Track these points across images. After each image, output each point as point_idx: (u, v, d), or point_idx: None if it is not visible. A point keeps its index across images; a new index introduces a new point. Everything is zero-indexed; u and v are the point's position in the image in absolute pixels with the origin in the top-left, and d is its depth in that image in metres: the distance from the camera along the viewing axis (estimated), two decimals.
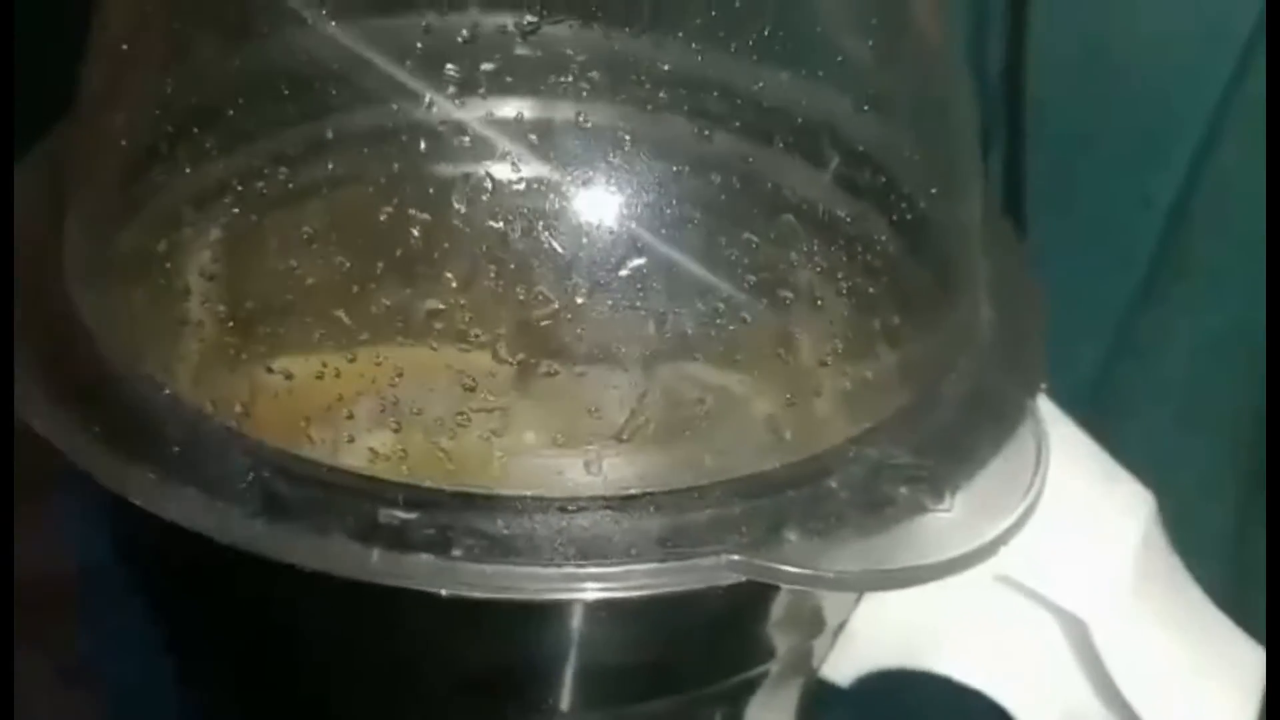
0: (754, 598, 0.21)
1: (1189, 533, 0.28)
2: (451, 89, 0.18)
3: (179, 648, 0.26)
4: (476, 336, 0.19)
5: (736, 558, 0.18)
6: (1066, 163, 0.43)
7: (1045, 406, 0.23)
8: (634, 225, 0.19)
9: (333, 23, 0.19)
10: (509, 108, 0.18)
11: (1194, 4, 0.38)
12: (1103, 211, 0.44)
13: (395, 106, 0.18)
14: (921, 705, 0.25)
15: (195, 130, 0.20)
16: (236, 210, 0.20)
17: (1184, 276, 0.44)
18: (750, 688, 0.23)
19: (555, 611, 0.20)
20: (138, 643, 0.37)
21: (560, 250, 0.18)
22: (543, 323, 0.19)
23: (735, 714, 0.24)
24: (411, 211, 0.18)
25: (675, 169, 0.19)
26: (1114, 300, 0.46)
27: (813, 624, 0.23)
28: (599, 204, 0.19)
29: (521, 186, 0.18)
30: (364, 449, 0.19)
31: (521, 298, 0.18)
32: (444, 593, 0.18)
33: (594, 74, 0.18)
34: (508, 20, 0.18)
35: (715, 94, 0.19)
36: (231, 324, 0.19)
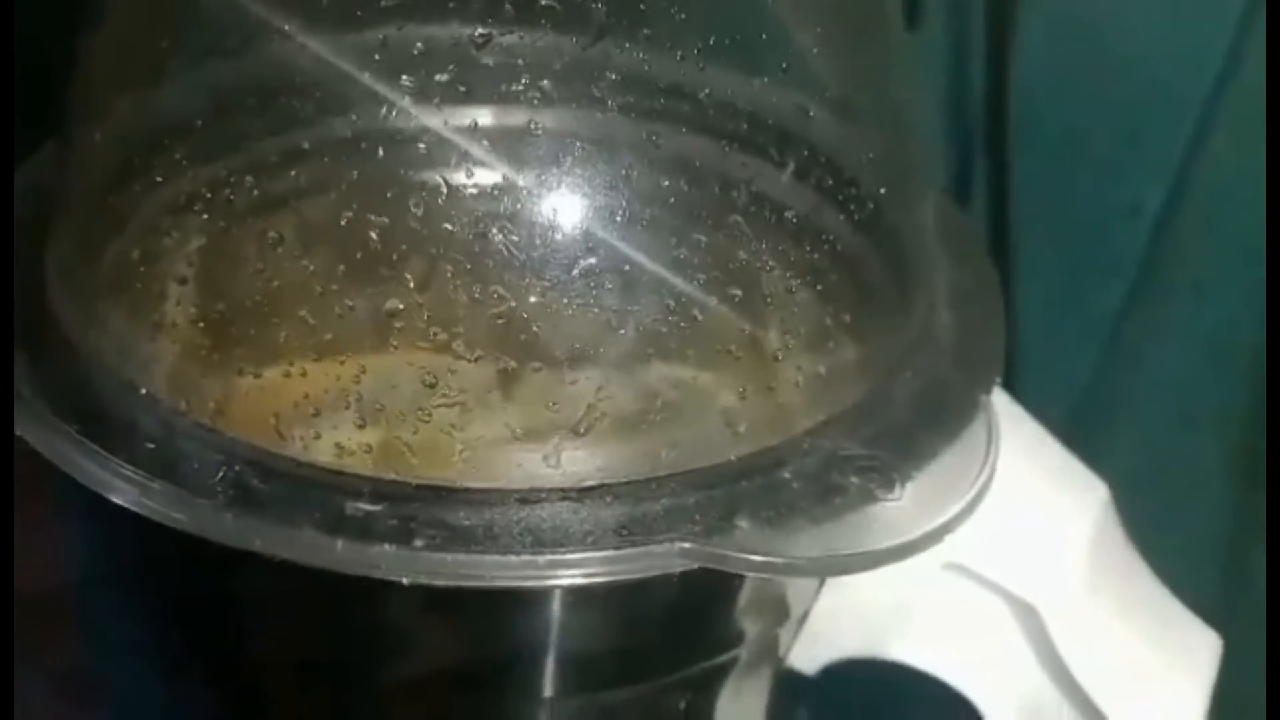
0: (712, 585, 0.22)
1: (1182, 536, 0.29)
2: (409, 99, 0.19)
3: (160, 646, 0.27)
4: (436, 335, 0.19)
5: (689, 545, 0.19)
6: (1054, 170, 0.44)
7: (1003, 403, 0.23)
8: (588, 226, 0.20)
9: (299, 39, 0.20)
10: (465, 116, 0.19)
11: (1179, 12, 0.39)
12: (1092, 218, 0.44)
13: (356, 117, 0.19)
14: (887, 693, 0.26)
15: (168, 144, 0.21)
16: (208, 219, 0.20)
17: (1174, 281, 0.45)
18: (719, 675, 0.24)
19: (517, 599, 0.20)
20: (138, 653, 0.37)
21: (515, 251, 0.19)
22: (499, 321, 0.19)
23: (707, 701, 0.24)
24: (371, 217, 0.19)
25: (626, 171, 0.20)
26: (1104, 306, 0.46)
27: (776, 612, 0.24)
28: (553, 206, 0.20)
29: (476, 191, 0.19)
30: (330, 445, 0.20)
31: (479, 297, 0.19)
32: (406, 581, 0.18)
33: (545, 82, 0.19)
34: (462, 32, 0.19)
35: (664, 98, 0.20)
36: (204, 327, 0.20)
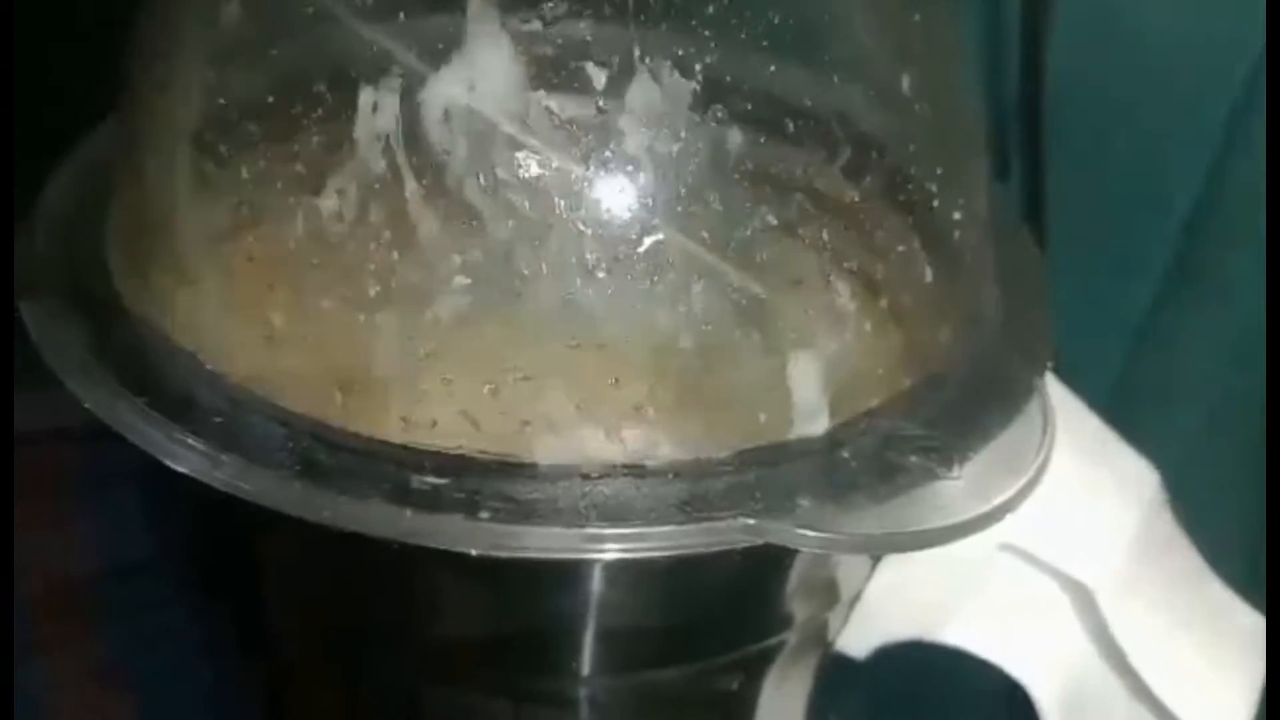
0: (769, 564, 0.22)
1: (1210, 533, 0.29)
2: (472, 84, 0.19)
3: (209, 615, 0.27)
4: (502, 311, 0.20)
5: (752, 521, 0.19)
6: (1086, 169, 0.44)
7: (1054, 387, 0.24)
8: (651, 208, 0.20)
9: (364, 22, 0.20)
10: (532, 99, 0.19)
11: (1212, 10, 0.39)
12: (1122, 218, 0.44)
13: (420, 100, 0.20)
14: (936, 676, 0.26)
15: (237, 120, 0.21)
16: (276, 196, 0.21)
17: (1202, 282, 0.45)
18: (767, 657, 0.24)
19: (577, 572, 0.20)
20: (168, 644, 0.38)
21: (580, 230, 0.19)
22: (566, 296, 0.19)
23: (753, 683, 0.24)
24: (438, 198, 0.19)
25: (689, 155, 0.20)
26: (1134, 303, 0.46)
27: (828, 594, 0.24)
28: (617, 188, 0.20)
29: (544, 173, 0.19)
30: (396, 418, 0.20)
31: (546, 273, 0.19)
32: (474, 552, 0.18)
33: (610, 65, 0.19)
34: (525, 18, 0.19)
35: (727, 82, 0.20)
36: (269, 303, 0.20)
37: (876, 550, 0.22)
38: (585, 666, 0.23)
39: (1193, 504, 0.28)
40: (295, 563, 0.23)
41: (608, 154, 0.20)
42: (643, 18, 0.20)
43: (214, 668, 0.31)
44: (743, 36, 0.20)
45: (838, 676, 0.26)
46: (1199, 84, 0.41)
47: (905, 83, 0.22)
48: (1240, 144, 0.43)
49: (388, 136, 0.20)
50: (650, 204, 0.20)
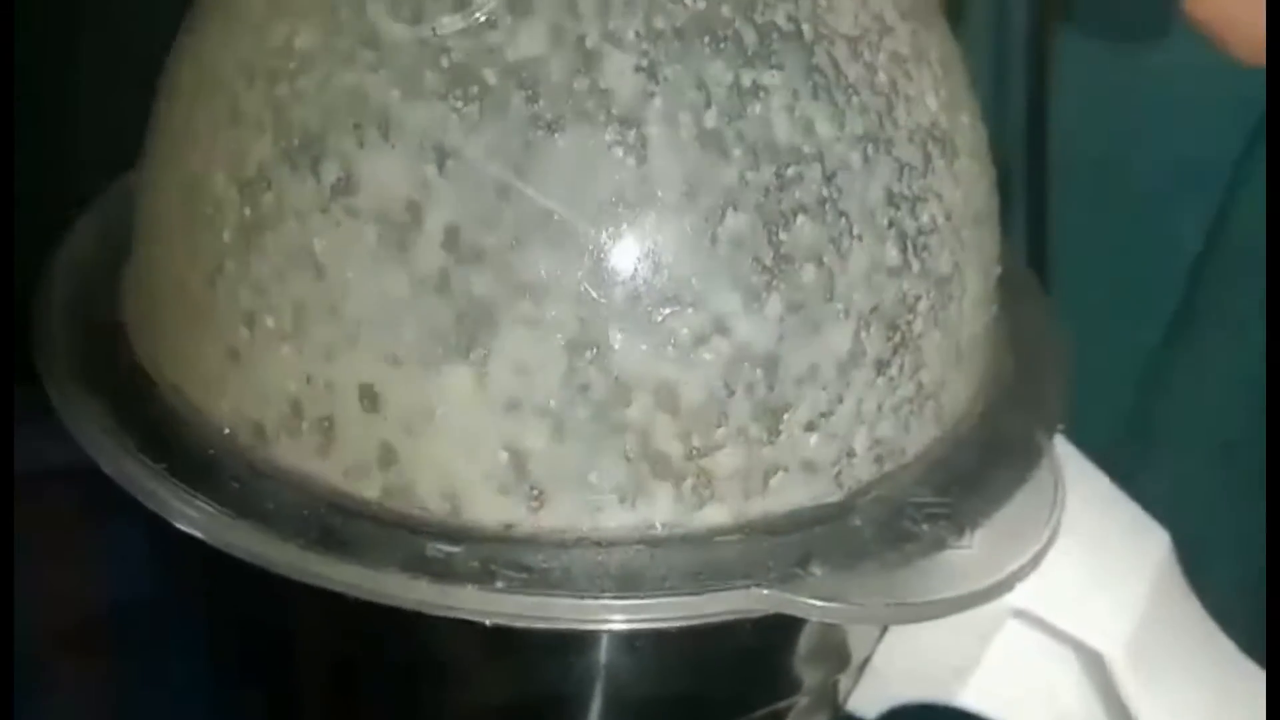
0: (781, 630, 0.22)
1: (1222, 570, 0.29)
2: None
3: (221, 677, 0.27)
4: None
5: (766, 591, 0.19)
6: (1093, 206, 0.44)
7: (1062, 446, 0.24)
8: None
9: None
10: None
11: (1215, 57, 0.39)
12: (1130, 254, 0.44)
13: None
14: None
15: (250, 184, 0.21)
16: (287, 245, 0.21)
17: (1212, 317, 0.45)
18: (778, 719, 0.24)
19: (590, 641, 0.21)
20: (177, 682, 0.38)
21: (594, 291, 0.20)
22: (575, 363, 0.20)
23: None
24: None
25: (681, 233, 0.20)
26: (1143, 341, 0.46)
27: (839, 658, 0.24)
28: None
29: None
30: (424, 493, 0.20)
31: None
32: (488, 622, 0.19)
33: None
34: None
35: None
36: (283, 359, 0.20)
37: (887, 621, 0.22)
38: None
39: (1204, 544, 0.28)
40: (307, 627, 0.23)
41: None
42: None
43: (220, 708, 0.31)
44: None
45: None
46: (1204, 127, 0.41)
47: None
48: (1246, 185, 0.43)
49: None
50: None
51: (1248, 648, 0.26)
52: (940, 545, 0.21)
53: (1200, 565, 0.27)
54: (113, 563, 0.43)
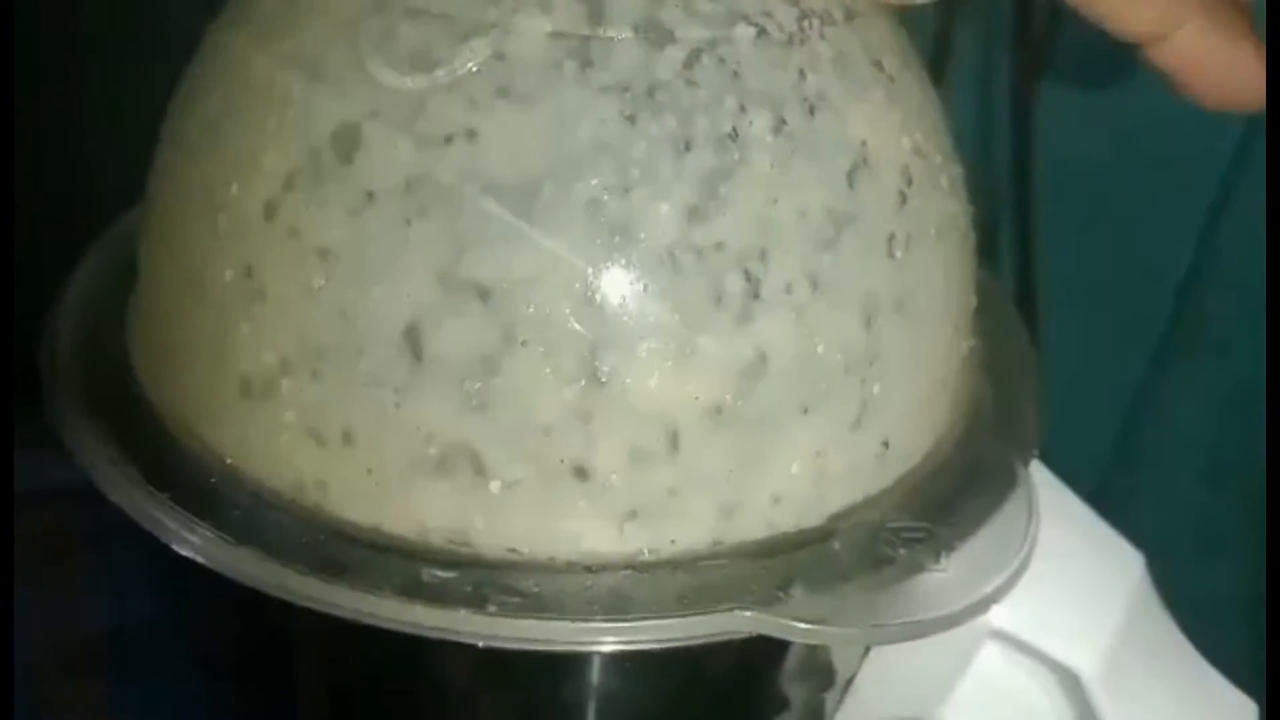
0: (766, 651, 0.23)
1: (1209, 595, 0.29)
2: None
3: (220, 700, 0.28)
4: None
5: (748, 613, 0.20)
6: (1078, 233, 0.44)
7: (1038, 471, 0.24)
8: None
9: None
10: None
11: None
12: (1115, 281, 0.45)
13: None
14: None
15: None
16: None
17: (1198, 342, 0.46)
18: None
19: (580, 663, 0.21)
20: (177, 705, 0.38)
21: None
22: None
23: None
24: None
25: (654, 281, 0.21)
26: (1129, 368, 0.47)
27: (823, 678, 0.25)
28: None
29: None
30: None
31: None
32: (482, 644, 0.19)
33: None
34: None
35: None
36: (282, 392, 0.21)
37: (867, 641, 0.23)
38: None
39: (1192, 563, 0.28)
40: (305, 651, 0.24)
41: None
42: None
43: None
44: None
45: None
46: (1189, 149, 0.42)
47: None
48: (1232, 204, 0.43)
49: None
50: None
51: (1241, 666, 0.27)
52: (918, 569, 0.21)
53: (1189, 587, 0.27)
54: (112, 584, 0.43)
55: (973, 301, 0.25)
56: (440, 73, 0.20)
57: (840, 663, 0.25)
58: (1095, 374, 0.45)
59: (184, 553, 0.20)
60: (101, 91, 0.42)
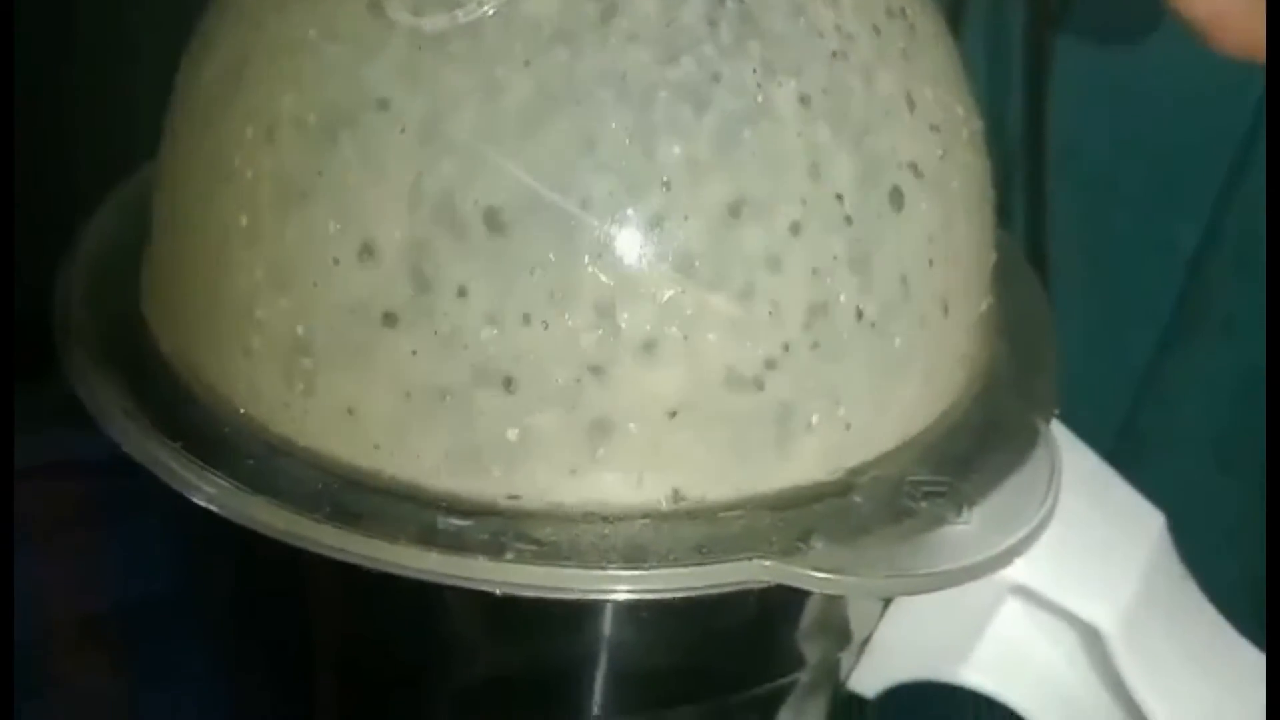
0: (783, 605, 0.22)
1: (1217, 576, 0.29)
2: None
3: (228, 652, 0.28)
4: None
5: (768, 563, 0.20)
6: (1089, 210, 0.44)
7: (1058, 429, 0.24)
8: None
9: None
10: None
11: (1215, 56, 0.40)
12: (1126, 258, 0.45)
13: None
14: (946, 716, 0.26)
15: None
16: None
17: (1207, 321, 0.45)
18: (780, 696, 0.25)
19: (596, 612, 0.21)
20: (187, 679, 0.38)
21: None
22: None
23: None
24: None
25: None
26: (1139, 345, 0.47)
27: (840, 635, 0.24)
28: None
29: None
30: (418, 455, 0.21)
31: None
32: (499, 592, 0.19)
33: None
34: None
35: None
36: (293, 347, 0.21)
37: (887, 593, 0.22)
38: (601, 705, 0.23)
39: (1199, 546, 0.28)
40: (319, 602, 0.23)
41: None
42: None
43: (232, 703, 0.32)
44: None
45: (850, 714, 0.26)
46: (1202, 126, 0.42)
47: None
48: (1243, 184, 0.43)
49: None
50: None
51: None
52: (939, 521, 0.21)
53: (1195, 568, 0.27)
54: (119, 559, 0.43)
55: (992, 257, 0.24)
56: (459, 13, 0.20)
57: (856, 621, 0.24)
58: (1103, 352, 0.45)
59: (198, 501, 0.20)
60: (91, 61, 0.42)
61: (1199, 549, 0.27)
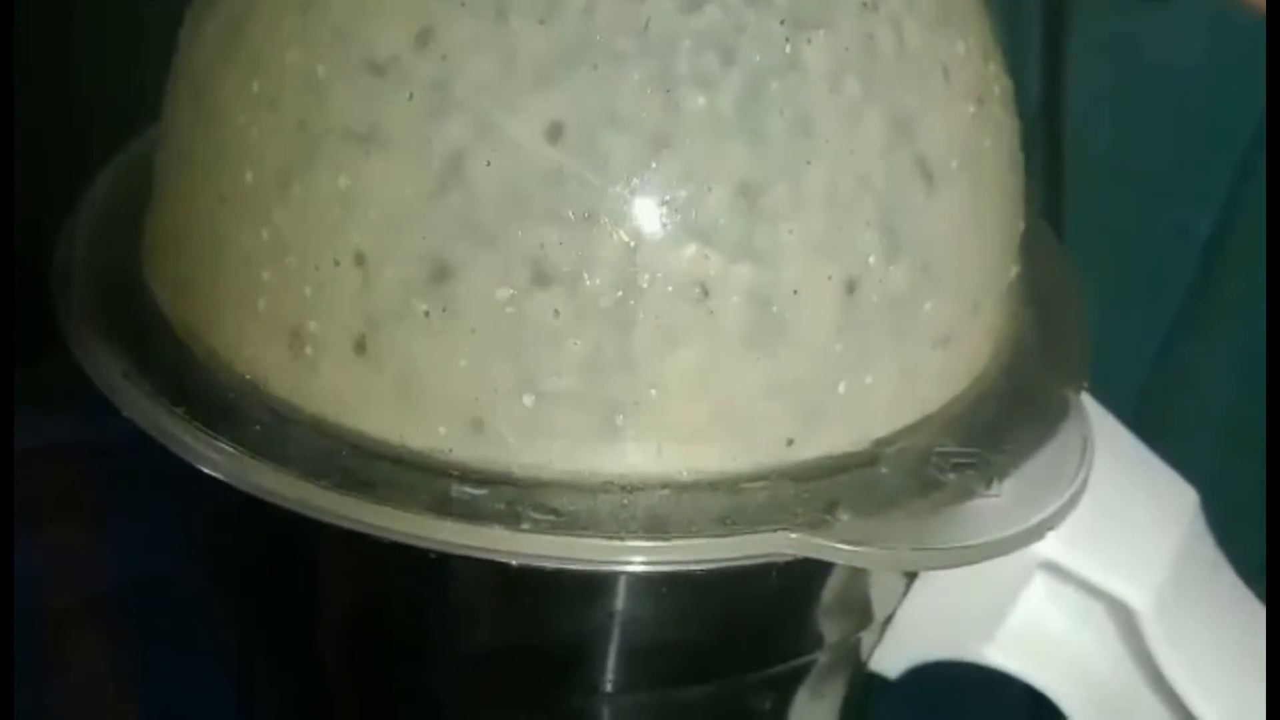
0: (805, 581, 0.22)
1: (1231, 558, 0.29)
2: None
3: (233, 630, 0.27)
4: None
5: (793, 535, 0.19)
6: (1104, 191, 0.44)
7: (1090, 404, 0.23)
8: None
9: None
10: None
11: (1229, 39, 0.39)
12: (1140, 240, 0.44)
13: None
14: (969, 696, 0.26)
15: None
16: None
17: (1221, 304, 0.45)
18: (798, 677, 0.24)
19: (614, 585, 0.20)
20: (191, 659, 0.38)
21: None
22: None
23: (783, 703, 0.24)
24: None
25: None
26: (1152, 328, 0.46)
27: (862, 613, 0.24)
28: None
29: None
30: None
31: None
32: (515, 563, 0.18)
33: None
34: None
35: None
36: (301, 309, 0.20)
37: (915, 566, 0.22)
38: (613, 682, 0.22)
39: (1214, 530, 0.28)
40: (326, 574, 0.23)
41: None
42: None
43: (237, 682, 0.31)
44: None
45: (872, 693, 0.26)
46: (1218, 107, 0.41)
47: None
48: (1259, 167, 0.43)
49: None
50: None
51: None
52: (968, 494, 0.20)
53: None
54: (120, 539, 0.42)
55: (1021, 224, 0.24)
56: None
57: (879, 599, 0.24)
58: (1117, 334, 0.44)
59: (202, 468, 0.19)
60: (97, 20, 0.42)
61: (1214, 531, 0.27)
